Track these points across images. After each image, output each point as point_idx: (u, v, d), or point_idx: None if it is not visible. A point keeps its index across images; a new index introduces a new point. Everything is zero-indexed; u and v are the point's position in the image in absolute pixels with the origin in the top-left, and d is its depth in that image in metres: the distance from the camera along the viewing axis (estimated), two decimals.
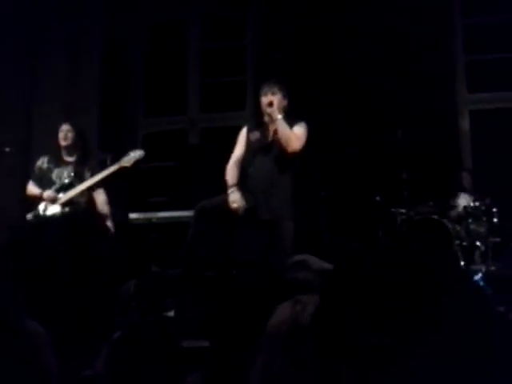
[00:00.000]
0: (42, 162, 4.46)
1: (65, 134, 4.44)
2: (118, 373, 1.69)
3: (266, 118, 4.08)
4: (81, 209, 4.38)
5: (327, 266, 2.06)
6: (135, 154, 4.42)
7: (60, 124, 4.52)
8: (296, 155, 4.00)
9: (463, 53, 5.97)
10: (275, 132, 4.02)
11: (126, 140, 6.16)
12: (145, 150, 5.83)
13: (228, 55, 6.49)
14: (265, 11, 6.14)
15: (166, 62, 6.60)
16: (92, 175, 4.38)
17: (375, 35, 5.74)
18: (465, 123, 5.90)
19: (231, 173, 4.10)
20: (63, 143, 4.43)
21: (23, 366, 0.77)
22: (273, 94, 4.02)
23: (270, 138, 4.06)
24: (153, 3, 6.49)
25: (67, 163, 4.47)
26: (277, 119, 3.94)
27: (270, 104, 3.96)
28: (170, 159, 6.12)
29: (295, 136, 3.95)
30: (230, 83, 6.44)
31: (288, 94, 4.11)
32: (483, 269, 4.15)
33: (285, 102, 4.08)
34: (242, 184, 4.07)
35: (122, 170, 4.37)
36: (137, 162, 4.41)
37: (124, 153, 4.54)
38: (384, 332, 0.86)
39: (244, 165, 4.11)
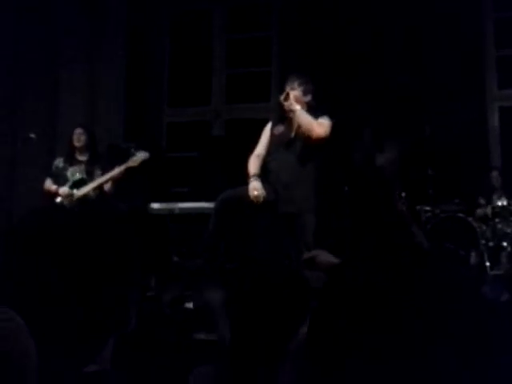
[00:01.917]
0: (59, 162, 4.99)
1: (78, 136, 4.94)
2: (125, 368, 1.67)
3: (290, 113, 4.04)
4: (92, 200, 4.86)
5: (336, 261, 2.01)
6: (141, 155, 4.86)
7: (76, 126, 5.03)
8: (319, 147, 3.96)
9: (494, 48, 5.84)
10: (299, 126, 3.98)
11: (150, 130, 6.17)
12: (168, 140, 5.82)
13: (253, 46, 6.44)
14: (290, 1, 6.08)
15: (191, 52, 6.57)
16: (102, 172, 4.88)
17: (405, 29, 5.65)
18: (494, 120, 5.78)
19: (252, 164, 4.09)
20: (77, 144, 4.94)
21: None
22: (292, 89, 3.99)
23: (293, 133, 4.03)
24: None
25: (80, 162, 4.95)
26: (296, 110, 3.90)
27: (286, 97, 3.94)
28: (193, 150, 6.11)
29: (317, 123, 3.90)
30: (255, 74, 6.39)
31: (312, 88, 4.05)
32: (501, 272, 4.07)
33: (307, 98, 4.02)
34: (264, 178, 4.06)
35: (130, 169, 4.84)
36: (143, 163, 4.85)
37: (148, 142, 4.73)
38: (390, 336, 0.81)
39: (267, 159, 4.09)
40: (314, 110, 4.00)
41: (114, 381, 1.32)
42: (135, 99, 6.14)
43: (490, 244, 4.39)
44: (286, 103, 3.94)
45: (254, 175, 4.03)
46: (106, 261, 1.01)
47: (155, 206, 5.14)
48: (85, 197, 4.81)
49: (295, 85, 3.98)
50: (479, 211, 4.76)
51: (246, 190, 4.00)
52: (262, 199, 3.94)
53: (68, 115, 5.93)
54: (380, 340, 0.77)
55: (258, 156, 4.11)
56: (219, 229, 4.12)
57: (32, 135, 5.03)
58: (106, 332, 1.01)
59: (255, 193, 3.94)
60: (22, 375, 0.83)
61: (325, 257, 2.23)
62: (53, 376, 0.85)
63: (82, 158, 4.97)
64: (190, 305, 3.35)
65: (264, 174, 4.06)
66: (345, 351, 0.80)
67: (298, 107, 3.91)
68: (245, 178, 4.13)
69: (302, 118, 3.90)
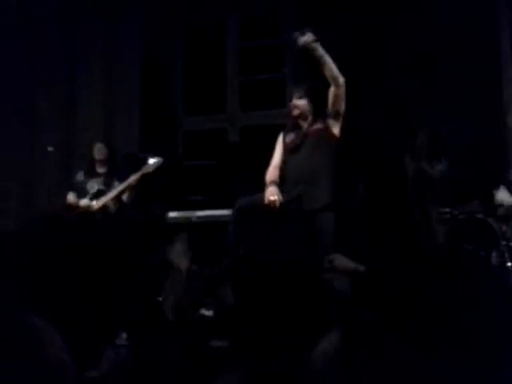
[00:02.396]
0: (80, 176, 5.18)
1: (99, 150, 5.17)
2: (127, 374, 1.68)
3: (298, 121, 4.07)
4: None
5: (355, 266, 2.01)
6: (155, 161, 5.00)
7: (94, 139, 5.27)
8: (334, 142, 3.96)
9: (510, 47, 5.78)
10: (310, 124, 4.01)
11: (166, 139, 6.21)
12: (185, 149, 5.87)
13: (267, 53, 6.46)
14: (303, 7, 6.08)
15: (205, 60, 6.61)
16: (119, 183, 5.07)
17: (420, 27, 5.61)
18: None
19: (270, 173, 4.13)
20: (97, 157, 5.16)
21: (26, 363, 0.75)
22: (298, 98, 4.01)
23: (304, 132, 4.06)
24: (191, 1, 6.50)
25: (99, 175, 5.16)
26: (322, 55, 3.84)
27: (294, 107, 3.97)
28: (209, 158, 6.13)
29: (340, 77, 3.86)
30: (269, 81, 6.41)
31: (320, 91, 4.06)
32: None
33: (315, 104, 4.03)
34: (281, 183, 4.08)
35: (144, 176, 4.99)
36: (157, 169, 4.99)
37: (164, 151, 4.83)
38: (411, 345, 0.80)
39: (282, 166, 4.13)
40: (319, 111, 4.00)
41: None
42: (151, 109, 6.18)
43: (511, 244, 4.35)
44: (311, 45, 3.85)
45: (271, 182, 4.06)
46: (113, 270, 1.02)
47: (173, 214, 5.18)
48: (104, 208, 4.94)
49: (302, 93, 4.01)
50: (499, 211, 4.70)
51: (263, 197, 4.02)
52: (278, 204, 3.96)
53: (85, 126, 5.99)
54: (414, 347, 0.77)
55: (275, 166, 4.16)
56: (237, 236, 4.14)
57: (50, 148, 5.13)
58: (107, 338, 1.02)
59: (271, 198, 3.96)
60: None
61: (343, 261, 2.24)
62: (52, 381, 0.85)
63: (102, 170, 5.16)
64: (208, 312, 3.36)
65: (282, 180, 4.09)
66: (380, 359, 0.80)
67: (322, 51, 3.84)
68: (262, 184, 4.15)
69: (329, 63, 3.84)
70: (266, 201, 3.99)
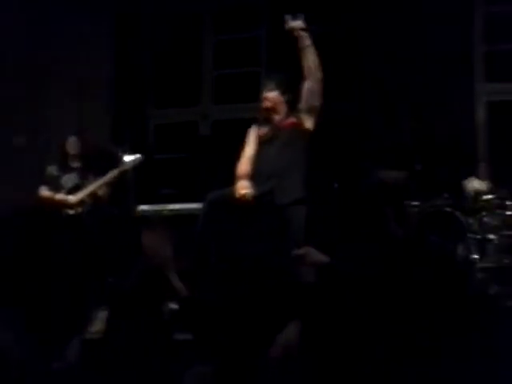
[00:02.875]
0: (52, 169, 5.08)
1: (72, 144, 5.06)
2: (96, 367, 1.68)
3: (272, 114, 4.07)
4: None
5: (323, 258, 2.03)
6: (134, 158, 4.98)
7: (69, 136, 5.11)
8: (306, 136, 3.98)
9: (482, 42, 5.85)
10: (282, 119, 4.01)
11: (137, 131, 6.18)
12: (156, 142, 5.85)
13: (242, 47, 6.46)
14: (279, 1, 6.09)
15: (179, 53, 6.58)
16: (95, 178, 4.98)
17: (391, 22, 5.67)
18: (482, 114, 5.80)
19: (242, 167, 4.11)
20: (71, 152, 5.05)
21: None
22: (269, 90, 4.01)
23: (275, 126, 4.06)
24: None
25: (74, 169, 5.08)
26: (308, 46, 3.82)
27: (265, 99, 3.96)
28: (181, 151, 6.12)
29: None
30: (243, 75, 6.41)
31: (292, 84, 4.06)
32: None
33: (285, 98, 4.03)
34: (253, 176, 4.08)
35: (123, 172, 4.96)
36: (136, 166, 4.97)
37: (136, 144, 4.80)
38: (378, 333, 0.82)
39: (254, 160, 4.12)
40: (292, 105, 4.01)
41: (82, 378, 1.33)
42: (123, 102, 6.16)
43: (477, 237, 4.42)
44: (301, 33, 3.83)
45: (242, 175, 4.06)
46: (86, 262, 1.02)
47: (143, 207, 5.16)
48: (80, 202, 4.91)
49: (273, 85, 4.00)
50: (466, 205, 4.78)
51: (234, 190, 4.02)
52: (249, 197, 3.96)
53: (57, 120, 5.95)
54: (376, 335, 0.79)
55: (247, 160, 4.14)
56: (208, 230, 4.14)
57: (21, 139, 5.09)
58: (72, 330, 1.02)
59: (242, 191, 3.96)
60: None
61: (313, 254, 2.26)
62: (21, 372, 0.86)
63: (76, 165, 5.09)
64: (174, 305, 3.37)
65: (254, 173, 4.08)
66: (342, 346, 0.81)
67: (309, 42, 3.82)
68: (233, 179, 4.15)
69: (312, 55, 3.83)
70: (238, 194, 3.98)
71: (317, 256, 2.22)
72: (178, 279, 2.24)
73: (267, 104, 4.01)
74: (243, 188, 3.98)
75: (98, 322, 2.95)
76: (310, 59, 3.84)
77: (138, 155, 4.97)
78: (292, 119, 4.02)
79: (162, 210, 5.11)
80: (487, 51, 5.85)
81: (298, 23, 3.85)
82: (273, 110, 4.03)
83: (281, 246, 4.01)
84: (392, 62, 5.62)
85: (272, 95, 3.98)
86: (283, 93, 4.00)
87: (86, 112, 6.04)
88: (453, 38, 5.61)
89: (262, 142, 4.11)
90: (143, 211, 5.14)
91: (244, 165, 4.12)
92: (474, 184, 4.80)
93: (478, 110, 5.77)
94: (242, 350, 1.91)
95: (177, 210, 5.10)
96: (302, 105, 3.99)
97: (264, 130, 4.14)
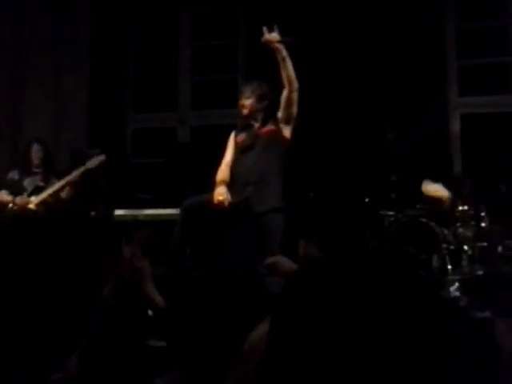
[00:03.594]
0: (13, 174, 5.07)
1: (35, 152, 5.05)
2: (91, 375, 1.65)
3: (250, 120, 4.08)
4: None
5: (293, 266, 2.01)
6: (99, 158, 4.96)
7: (33, 143, 5.10)
8: (285, 145, 3.99)
9: (455, 56, 5.96)
10: (259, 127, 4.02)
11: (114, 136, 6.12)
12: (133, 146, 5.77)
13: (219, 53, 6.46)
14: (256, 8, 6.12)
15: (156, 58, 6.55)
16: (58, 180, 4.98)
17: (368, 36, 5.73)
18: (455, 126, 5.90)
19: (221, 173, 4.12)
20: (34, 160, 5.05)
21: None
22: (246, 98, 4.02)
23: (254, 134, 4.07)
24: None
25: (36, 173, 5.07)
26: (286, 58, 3.85)
27: (242, 107, 3.98)
28: (158, 156, 6.08)
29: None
30: (221, 81, 6.40)
31: (269, 94, 4.07)
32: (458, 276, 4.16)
33: (262, 105, 4.04)
34: (231, 183, 4.07)
35: (87, 172, 4.93)
36: (100, 165, 4.95)
37: (112, 148, 4.78)
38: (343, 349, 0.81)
39: (232, 166, 4.12)
40: (270, 112, 4.03)
41: None
42: (99, 105, 6.09)
43: (452, 248, 4.47)
44: (278, 45, 3.87)
45: (220, 181, 4.05)
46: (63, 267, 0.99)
47: (119, 212, 5.11)
48: (43, 203, 4.88)
49: (248, 92, 4.01)
50: (440, 216, 4.83)
51: (211, 197, 4.01)
52: (226, 204, 3.96)
53: (31, 120, 5.86)
54: (339, 345, 0.77)
55: (226, 165, 4.14)
56: (184, 236, 4.12)
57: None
58: (72, 341, 0.99)
59: (220, 197, 3.96)
60: None
61: (285, 263, 2.24)
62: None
63: (38, 170, 5.08)
64: (150, 312, 3.33)
65: (231, 179, 4.08)
66: (305, 356, 0.80)
67: (285, 53, 3.85)
68: (210, 185, 4.14)
69: (290, 66, 3.86)
70: (215, 200, 3.98)
71: (289, 265, 2.19)
72: (156, 291, 2.21)
73: (244, 111, 4.02)
74: (220, 194, 3.98)
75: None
76: (288, 69, 3.87)
77: (102, 155, 4.95)
78: (271, 127, 4.04)
79: (138, 215, 5.06)
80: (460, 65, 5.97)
81: (274, 35, 3.89)
82: (250, 116, 4.04)
83: (255, 254, 4.01)
84: (368, 73, 5.68)
85: (248, 102, 3.99)
86: (259, 100, 4.02)
87: (63, 113, 5.96)
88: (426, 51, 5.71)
89: (240, 149, 4.12)
90: (119, 216, 5.08)
91: (222, 171, 4.13)
92: (432, 187, 4.82)
93: (451, 122, 5.87)
94: (210, 357, 1.90)
95: (153, 215, 5.06)
96: (281, 113, 4.01)
97: (242, 136, 4.15)
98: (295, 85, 3.91)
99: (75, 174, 4.89)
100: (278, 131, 4.04)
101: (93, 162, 4.91)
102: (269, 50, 3.91)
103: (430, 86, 5.69)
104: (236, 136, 4.19)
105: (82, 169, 4.88)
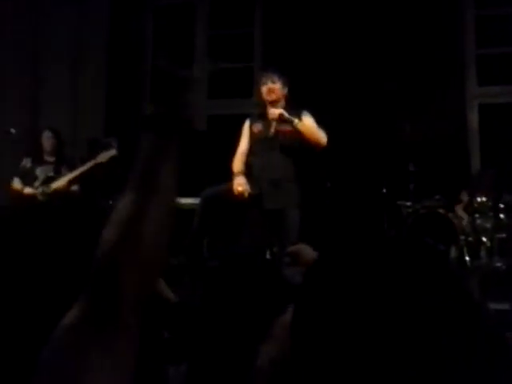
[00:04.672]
0: (26, 162, 5.10)
1: (47, 139, 5.09)
2: None
3: (268, 108, 4.06)
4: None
5: (314, 256, 1.99)
6: (109, 152, 4.98)
7: (44, 130, 5.15)
8: (302, 143, 3.99)
9: (475, 45, 5.89)
10: (278, 124, 4.00)
11: (130, 124, 6.13)
12: None
13: (236, 41, 6.43)
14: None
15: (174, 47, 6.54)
16: (69, 171, 5.02)
17: (384, 26, 5.68)
18: (474, 117, 5.84)
19: (237, 162, 4.12)
20: (46, 147, 5.09)
21: None
22: (273, 82, 4.00)
23: (272, 129, 4.05)
24: None
25: (48, 163, 5.09)
26: (297, 124, 3.91)
27: (271, 92, 3.95)
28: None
29: (317, 130, 3.92)
30: (237, 70, 6.38)
31: (289, 81, 4.08)
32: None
33: (285, 91, 4.06)
34: (248, 174, 4.07)
35: (97, 166, 4.96)
36: (111, 159, 4.98)
37: (128, 137, 4.76)
38: (365, 335, 0.80)
39: (249, 156, 4.12)
40: (291, 103, 4.03)
41: None
42: (116, 94, 6.10)
43: (470, 239, 4.46)
44: (271, 114, 3.95)
45: (238, 173, 4.05)
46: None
47: None
48: (54, 194, 4.91)
49: (275, 78, 4.00)
50: (459, 207, 4.81)
51: (230, 187, 4.01)
52: (246, 195, 3.96)
53: (50, 111, 5.88)
54: (364, 338, 0.77)
55: (242, 153, 4.13)
56: (202, 226, 4.12)
57: (12, 130, 5.02)
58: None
59: (240, 188, 3.96)
60: None
61: (308, 251, 2.21)
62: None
63: (50, 159, 5.12)
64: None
65: (247, 171, 4.08)
66: (329, 348, 0.79)
67: (296, 120, 3.91)
68: (227, 174, 4.14)
69: (305, 128, 3.91)
70: (235, 191, 3.98)
71: (310, 254, 2.17)
72: (167, 288, 2.20)
73: (273, 96, 3.99)
74: (240, 185, 3.98)
75: None
76: (307, 132, 3.87)
77: (113, 150, 4.98)
78: (288, 127, 3.99)
79: None
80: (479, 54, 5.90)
81: (277, 111, 3.94)
82: (277, 101, 4.01)
83: (273, 245, 4.02)
84: (386, 63, 5.63)
85: (277, 87, 3.98)
86: (284, 86, 4.02)
87: (80, 102, 5.98)
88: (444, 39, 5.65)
89: (257, 140, 4.10)
90: None
91: (238, 161, 4.12)
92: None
93: (469, 112, 5.81)
94: (226, 349, 1.89)
95: None
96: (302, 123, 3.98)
97: (259, 126, 4.13)
98: (320, 136, 3.91)
99: (85, 167, 4.94)
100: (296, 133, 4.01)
101: (103, 156, 4.94)
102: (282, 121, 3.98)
103: (448, 75, 5.63)
104: (251, 124, 4.17)
105: (91, 163, 4.93)
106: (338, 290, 0.75)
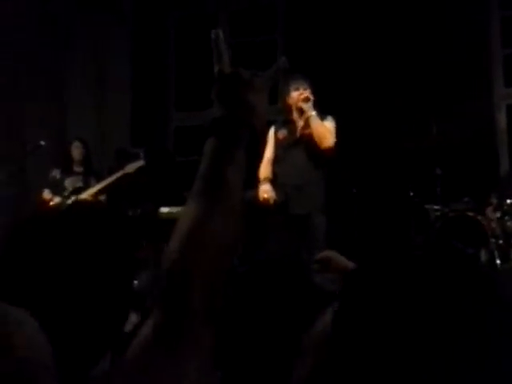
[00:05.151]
0: (56, 173, 5.18)
1: (76, 148, 5.16)
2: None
3: (295, 114, 4.06)
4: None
5: (351, 265, 1.98)
6: (137, 163, 5.05)
7: (74, 140, 5.23)
8: (328, 150, 3.99)
9: (501, 46, 5.83)
10: (303, 128, 4.01)
11: (157, 134, 6.20)
12: (176, 144, 5.78)
13: (259, 49, 6.46)
14: (295, 3, 6.10)
15: (197, 55, 6.60)
16: (97, 182, 5.08)
17: (410, 26, 5.65)
18: (502, 118, 5.77)
19: (263, 169, 4.13)
20: (75, 156, 5.15)
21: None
22: (305, 89, 4.01)
23: (298, 134, 4.06)
24: None
25: (77, 173, 5.16)
26: (311, 116, 3.92)
27: (307, 99, 3.95)
28: (200, 153, 6.11)
29: (329, 132, 3.93)
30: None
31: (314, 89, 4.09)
32: None
33: (313, 98, 4.07)
34: (274, 181, 4.09)
35: (125, 176, 5.02)
36: (139, 170, 5.05)
37: (155, 147, 4.84)
38: (406, 342, 0.80)
39: (274, 163, 4.13)
40: (317, 110, 4.03)
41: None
42: (142, 104, 6.17)
43: (500, 242, 4.39)
44: (304, 105, 3.95)
45: (264, 179, 4.07)
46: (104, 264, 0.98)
47: (165, 210, 5.18)
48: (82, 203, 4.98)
49: (306, 85, 4.01)
50: (489, 209, 4.75)
51: (256, 193, 4.04)
52: (272, 202, 3.97)
53: (76, 121, 5.97)
54: (406, 344, 0.77)
55: (268, 161, 4.16)
56: None
57: (42, 142, 5.09)
58: (109, 335, 0.99)
59: (265, 195, 3.98)
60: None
61: (337, 258, 2.19)
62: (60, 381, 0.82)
63: (79, 169, 5.19)
64: None
65: (273, 177, 4.10)
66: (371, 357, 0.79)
67: (313, 113, 3.92)
68: (253, 181, 4.16)
69: (315, 124, 3.92)
70: (260, 198, 4.00)
71: (341, 261, 2.14)
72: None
73: (309, 102, 3.98)
74: (265, 192, 4.00)
75: (128, 326, 2.95)
76: (318, 128, 3.87)
77: (141, 161, 5.05)
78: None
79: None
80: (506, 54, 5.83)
81: (304, 95, 3.97)
82: (305, 108, 4.00)
83: (300, 251, 4.01)
84: (412, 65, 5.60)
85: (309, 94, 4.00)
86: (312, 94, 4.04)
87: (107, 113, 6.06)
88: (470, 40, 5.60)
89: (282, 146, 4.11)
90: (165, 213, 5.15)
91: (264, 168, 4.14)
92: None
93: (497, 113, 5.75)
94: (258, 354, 1.89)
95: None
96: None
97: (284, 132, 4.14)
98: (327, 143, 3.91)
99: (113, 177, 5.01)
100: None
101: (131, 167, 5.01)
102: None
103: (475, 76, 5.58)
104: (276, 132, 4.19)
105: (119, 173, 5.01)
106: (377, 297, 0.75)
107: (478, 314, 0.77)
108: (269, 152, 4.20)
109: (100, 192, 5.05)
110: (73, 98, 6.10)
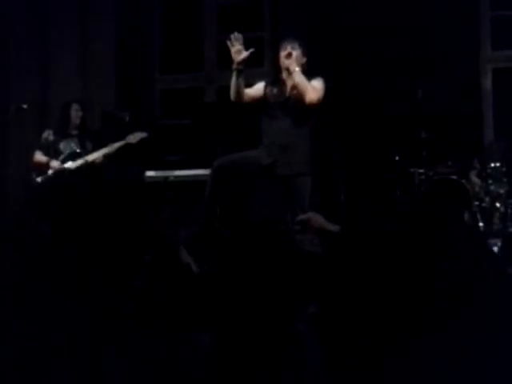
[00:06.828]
0: (48, 134, 5.00)
1: (76, 111, 5.01)
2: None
3: (284, 74, 4.05)
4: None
5: (332, 227, 1.99)
6: (140, 134, 4.97)
7: (73, 102, 5.09)
8: (314, 109, 3.99)
9: (488, 8, 5.77)
10: (293, 88, 4.00)
11: (142, 98, 6.13)
12: (161, 108, 5.75)
13: (246, 11, 6.36)
14: None
15: (182, 17, 6.49)
16: (93, 146, 4.97)
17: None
18: (487, 81, 5.75)
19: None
20: (74, 120, 5.00)
21: None
22: (292, 48, 3.99)
23: (287, 94, 4.05)
24: None
25: (72, 136, 5.01)
26: (294, 71, 3.92)
27: (289, 55, 3.93)
28: (186, 117, 6.07)
29: (312, 87, 3.93)
30: (247, 39, 6.30)
31: (307, 51, 4.07)
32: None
33: (304, 60, 4.05)
34: (261, 140, 4.09)
35: (127, 145, 4.95)
36: (141, 141, 4.96)
37: (140, 110, 4.78)
38: (391, 300, 0.81)
39: (261, 121, 4.13)
40: (308, 73, 4.02)
41: None
42: (126, 67, 6.09)
43: (484, 205, 4.44)
44: (286, 61, 3.95)
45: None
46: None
47: (150, 173, 5.16)
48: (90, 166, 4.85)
49: (296, 45, 3.99)
50: (472, 173, 4.79)
51: (242, 157, 4.04)
52: (243, 55, 4.01)
53: (59, 85, 5.90)
54: (393, 311, 0.78)
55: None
56: (215, 195, 4.15)
57: (24, 105, 5.03)
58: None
59: (238, 55, 4.03)
60: None
61: (318, 220, 2.21)
62: None
63: (74, 132, 5.04)
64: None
65: (260, 136, 4.09)
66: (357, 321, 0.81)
67: (297, 68, 3.92)
68: (238, 145, 4.15)
69: (299, 79, 3.92)
70: (233, 55, 4.04)
71: (323, 222, 2.16)
72: (190, 258, 2.22)
73: (289, 61, 3.96)
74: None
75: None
76: (300, 84, 3.86)
77: (144, 133, 4.98)
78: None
79: (169, 176, 5.10)
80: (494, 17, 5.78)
81: (285, 53, 3.95)
82: (293, 65, 3.98)
83: (284, 213, 4.04)
84: (397, 27, 5.56)
85: (295, 53, 3.98)
86: (303, 55, 4.03)
87: (90, 76, 5.98)
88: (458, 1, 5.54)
89: (272, 105, 4.08)
90: (150, 177, 5.13)
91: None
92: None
93: (483, 77, 5.73)
94: (244, 318, 1.91)
95: (183, 176, 5.09)
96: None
97: (274, 91, 4.11)
98: (309, 98, 3.87)
99: (115, 146, 4.91)
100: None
101: (134, 138, 4.93)
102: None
103: (462, 39, 5.53)
104: (266, 87, 4.15)
105: (122, 143, 4.91)
106: (360, 261, 0.76)
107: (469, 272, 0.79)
108: (252, 90, 4.17)
109: (97, 160, 4.94)
110: (55, 60, 6.01)
